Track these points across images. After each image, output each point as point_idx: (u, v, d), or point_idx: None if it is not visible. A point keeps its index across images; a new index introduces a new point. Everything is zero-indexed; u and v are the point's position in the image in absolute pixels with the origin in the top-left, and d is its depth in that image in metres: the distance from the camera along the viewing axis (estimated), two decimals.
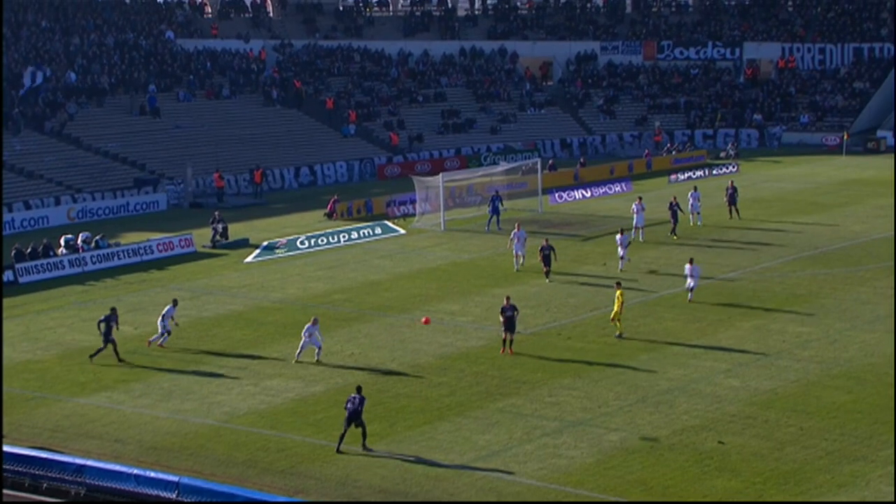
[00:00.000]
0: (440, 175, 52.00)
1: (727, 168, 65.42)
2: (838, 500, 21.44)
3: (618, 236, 40.60)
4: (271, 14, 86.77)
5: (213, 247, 46.79)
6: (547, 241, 39.62)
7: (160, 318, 32.02)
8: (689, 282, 35.58)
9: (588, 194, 58.22)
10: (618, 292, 32.15)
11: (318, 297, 37.84)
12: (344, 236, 48.45)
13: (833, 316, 33.44)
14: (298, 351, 30.43)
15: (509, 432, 25.36)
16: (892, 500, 21.37)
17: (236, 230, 48.98)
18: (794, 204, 52.41)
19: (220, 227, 47.54)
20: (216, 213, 49.00)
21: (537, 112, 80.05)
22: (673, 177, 63.14)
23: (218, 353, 31.61)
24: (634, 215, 45.47)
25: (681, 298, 36.13)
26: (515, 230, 40.84)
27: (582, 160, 67.76)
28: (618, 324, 32.03)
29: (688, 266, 35.76)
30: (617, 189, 59.52)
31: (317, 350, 30.43)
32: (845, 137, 70.42)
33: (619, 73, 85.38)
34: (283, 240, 47.53)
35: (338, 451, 24.32)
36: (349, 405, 24.43)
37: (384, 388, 28.49)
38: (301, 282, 40.21)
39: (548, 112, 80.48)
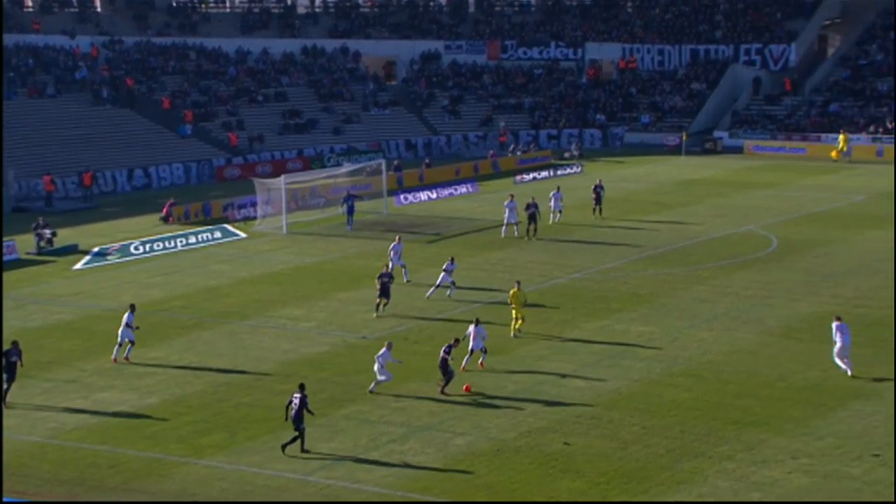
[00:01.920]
0: (282, 177, 51.54)
1: (571, 168, 67.02)
2: (677, 501, 22.20)
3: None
4: (98, 9, 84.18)
5: (39, 253, 45.03)
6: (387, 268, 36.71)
7: (121, 329, 30.60)
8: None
9: (434, 195, 58.68)
10: (513, 290, 32.51)
11: (155, 305, 36.93)
12: (181, 241, 47.41)
13: (674, 315, 34.63)
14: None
15: (354, 439, 25.29)
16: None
17: (65, 236, 47.30)
18: (636, 204, 54.05)
19: (46, 232, 45.78)
20: (40, 218, 47.21)
21: (381, 112, 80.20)
22: (519, 177, 64.26)
23: (45, 364, 30.45)
24: (507, 212, 46.21)
25: (529, 299, 36.74)
26: (395, 242, 40.18)
27: (427, 161, 68.24)
28: (517, 323, 32.32)
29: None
30: (463, 190, 60.19)
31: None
32: (684, 138, 73.12)
33: (463, 72, 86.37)
34: (116, 245, 46.18)
35: (303, 450, 24.33)
36: (294, 402, 24.25)
37: (225, 397, 28.00)
38: (136, 289, 39.14)
39: (392, 112, 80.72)
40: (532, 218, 46.27)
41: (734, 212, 51.56)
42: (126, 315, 31.10)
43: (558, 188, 51.43)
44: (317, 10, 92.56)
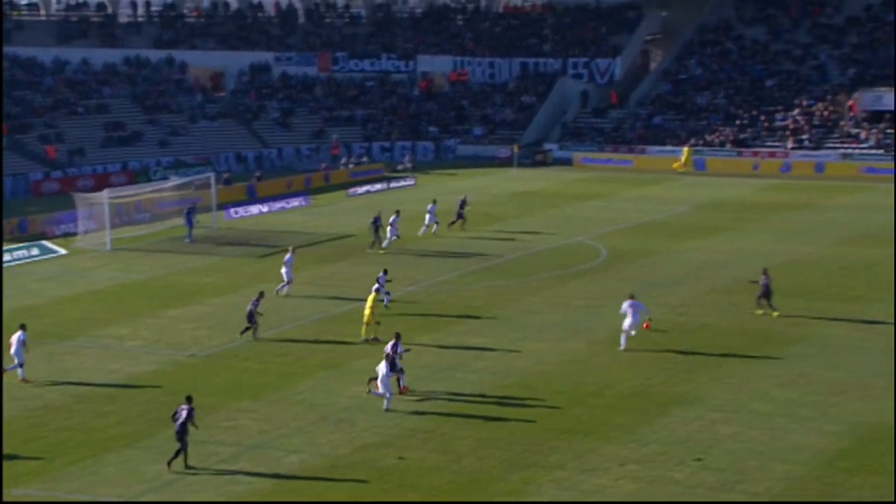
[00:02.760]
0: (105, 191, 50.12)
1: (405, 181, 67.45)
2: None
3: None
4: None
5: None
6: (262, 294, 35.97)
7: (14, 349, 29.97)
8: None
9: (265, 209, 58.09)
10: (373, 295, 33.81)
11: None
12: None
13: (506, 326, 35.27)
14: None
15: (183, 461, 24.75)
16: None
17: None
18: (469, 216, 54.82)
19: None
20: None
21: (210, 124, 78.91)
22: (352, 190, 64.26)
23: None
24: (427, 214, 48.49)
25: (355, 314, 36.82)
26: (288, 254, 39.52)
27: (258, 174, 67.51)
28: (370, 327, 33.25)
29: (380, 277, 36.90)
30: (295, 203, 59.81)
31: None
32: (516, 150, 74.62)
33: (294, 84, 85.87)
34: None
35: (186, 466, 24.18)
36: (180, 415, 24.30)
37: (42, 422, 26.99)
38: None
39: (221, 124, 79.52)
40: (377, 231, 46.33)
41: (565, 223, 52.90)
42: (19, 334, 30.34)
43: (434, 201, 51.59)
44: (139, 19, 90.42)
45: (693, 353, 32.04)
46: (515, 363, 31.47)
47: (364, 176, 69.69)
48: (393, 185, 66.32)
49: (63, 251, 47.90)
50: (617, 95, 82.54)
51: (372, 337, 33.44)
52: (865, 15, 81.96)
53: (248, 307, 33.98)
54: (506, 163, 75.29)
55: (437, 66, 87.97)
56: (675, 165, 70.37)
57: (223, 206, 56.48)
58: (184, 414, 24.49)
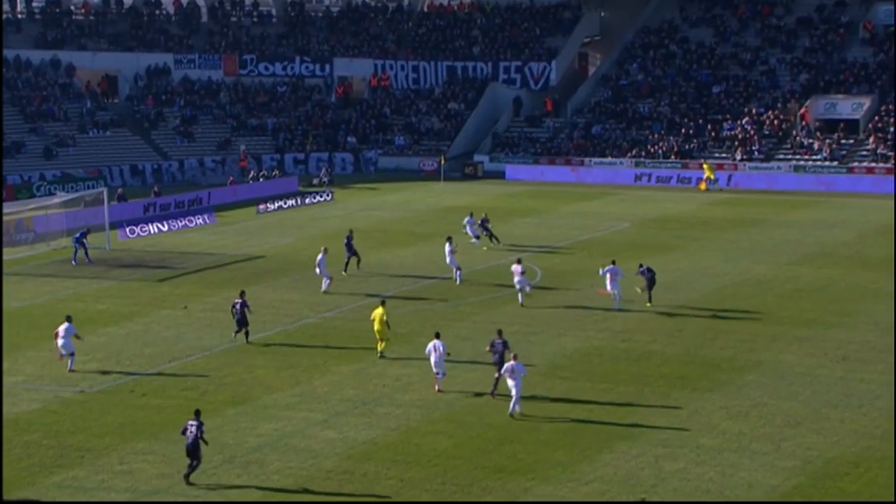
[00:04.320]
0: None
1: (321, 196, 67.25)
2: None
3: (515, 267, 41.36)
4: None
5: None
6: (243, 293, 37.21)
7: (63, 340, 33.34)
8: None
9: (165, 228, 57.50)
10: (379, 310, 34.90)
11: None
12: None
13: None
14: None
15: None
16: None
17: None
18: (392, 234, 54.81)
19: None
20: None
21: (101, 134, 77.97)
22: (262, 206, 63.89)
23: None
24: (467, 228, 49.42)
25: (272, 341, 36.56)
26: (321, 255, 41.99)
27: (156, 189, 66.83)
28: (380, 343, 34.70)
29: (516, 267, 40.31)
30: (199, 222, 59.31)
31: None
32: (442, 162, 74.93)
33: (196, 90, 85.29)
34: None
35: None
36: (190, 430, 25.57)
37: None
38: None
39: (114, 134, 78.61)
40: (350, 251, 46.17)
41: (509, 241, 53.10)
42: (66, 325, 33.68)
43: (471, 213, 52.28)
44: (20, 15, 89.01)
45: (637, 383, 32.32)
46: (443, 396, 31.44)
47: (276, 191, 69.31)
48: (308, 200, 66.11)
49: None
50: (552, 102, 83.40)
51: (380, 353, 34.83)
52: (818, 16, 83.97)
53: (236, 308, 36.04)
54: (432, 176, 75.47)
55: (355, 70, 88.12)
56: (702, 186, 70.09)
57: (117, 225, 55.75)
58: (194, 429, 25.63)
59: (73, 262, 48.65)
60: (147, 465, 26.76)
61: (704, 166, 71.42)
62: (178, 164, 76.89)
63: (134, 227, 56.55)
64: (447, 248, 44.76)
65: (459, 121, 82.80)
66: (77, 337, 34.09)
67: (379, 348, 35.08)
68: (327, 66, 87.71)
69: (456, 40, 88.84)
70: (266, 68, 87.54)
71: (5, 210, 53.28)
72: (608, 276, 40.17)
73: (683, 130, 77.02)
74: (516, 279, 41.13)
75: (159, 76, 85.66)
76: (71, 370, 33.68)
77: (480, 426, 29.15)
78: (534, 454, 27.35)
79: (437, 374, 31.78)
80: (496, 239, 52.08)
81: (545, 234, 55.76)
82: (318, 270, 43.46)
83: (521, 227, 57.71)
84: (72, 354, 33.82)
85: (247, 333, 36.58)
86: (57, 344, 33.81)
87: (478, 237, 51.87)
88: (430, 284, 44.58)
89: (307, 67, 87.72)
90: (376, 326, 35.12)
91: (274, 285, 44.50)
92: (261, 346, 36.35)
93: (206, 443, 25.98)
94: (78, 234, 49.55)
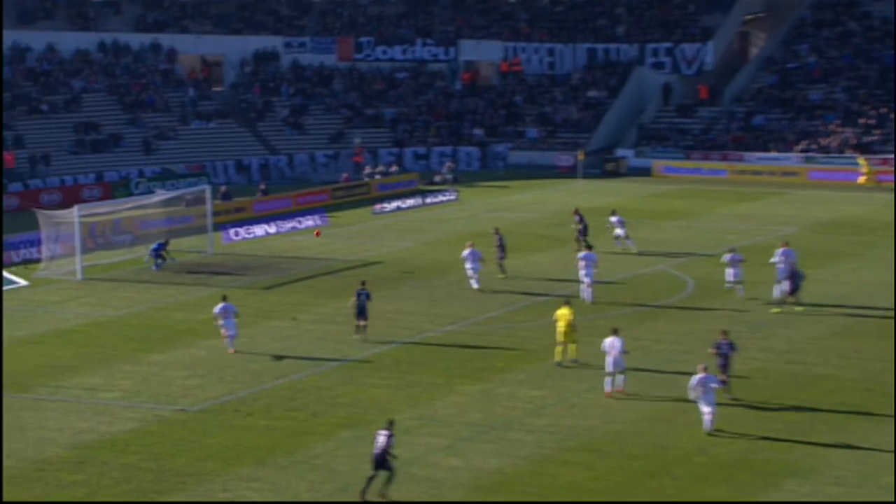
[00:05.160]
0: (75, 208, 50.66)
1: (444, 195, 67.59)
2: None
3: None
4: None
5: None
6: (364, 283, 39.61)
7: (225, 320, 37.26)
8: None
9: (272, 230, 58.44)
10: (565, 310, 35.39)
11: None
12: None
13: (570, 375, 35.08)
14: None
15: None
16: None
17: None
18: (522, 238, 54.75)
19: None
20: None
21: (204, 125, 79.69)
22: (378, 206, 64.53)
23: None
24: (617, 230, 49.53)
25: (389, 359, 36.82)
26: (467, 249, 42.58)
27: (263, 187, 67.98)
28: (566, 348, 35.26)
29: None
30: (308, 223, 60.13)
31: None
32: (580, 157, 74.64)
33: (307, 76, 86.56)
34: None
35: None
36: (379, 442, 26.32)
37: None
38: None
39: (218, 126, 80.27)
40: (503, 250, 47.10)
41: (642, 247, 52.66)
42: (224, 305, 37.33)
43: (614, 211, 52.89)
44: None
45: (807, 410, 31.67)
46: (581, 421, 31.27)
47: (393, 189, 69.96)
48: (429, 200, 66.51)
49: (23, 282, 48.37)
50: (708, 89, 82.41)
51: (571, 359, 35.37)
52: None
53: (356, 301, 38.16)
54: (568, 173, 75.22)
55: (483, 53, 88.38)
56: (862, 180, 69.27)
57: (220, 227, 56.83)
58: (382, 440, 26.33)
59: (153, 267, 49.57)
60: (252, 492, 27.17)
61: (860, 161, 70.07)
62: (287, 159, 78.12)
63: (239, 229, 57.61)
64: (583, 256, 44.13)
65: (600, 110, 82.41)
66: (236, 315, 37.39)
67: (560, 353, 35.51)
68: (452, 50, 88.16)
69: (597, 19, 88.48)
70: (384, 52, 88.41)
71: (103, 209, 54.71)
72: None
73: (862, 120, 75.21)
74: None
75: (267, 61, 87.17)
76: (233, 351, 36.98)
77: (622, 457, 28.90)
78: (684, 491, 26.99)
79: (614, 375, 32.66)
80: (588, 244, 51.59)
81: (697, 239, 55.11)
82: (468, 266, 44.90)
83: (668, 231, 57.12)
84: (232, 336, 37.10)
85: (358, 328, 38.18)
86: (219, 326, 37.31)
87: (626, 236, 51.65)
88: (564, 295, 44.32)
89: (430, 51, 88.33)
90: (561, 328, 35.47)
91: (391, 294, 44.81)
92: (376, 362, 36.64)
93: (394, 457, 26.48)
94: (155, 245, 50.27)
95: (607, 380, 33.04)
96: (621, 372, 32.96)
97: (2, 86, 64.58)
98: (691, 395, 30.24)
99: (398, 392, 33.74)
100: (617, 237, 51.91)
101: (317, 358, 37.18)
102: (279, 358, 37.02)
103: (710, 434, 29.79)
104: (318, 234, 52.66)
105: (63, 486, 27.51)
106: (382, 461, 26.35)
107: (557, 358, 35.65)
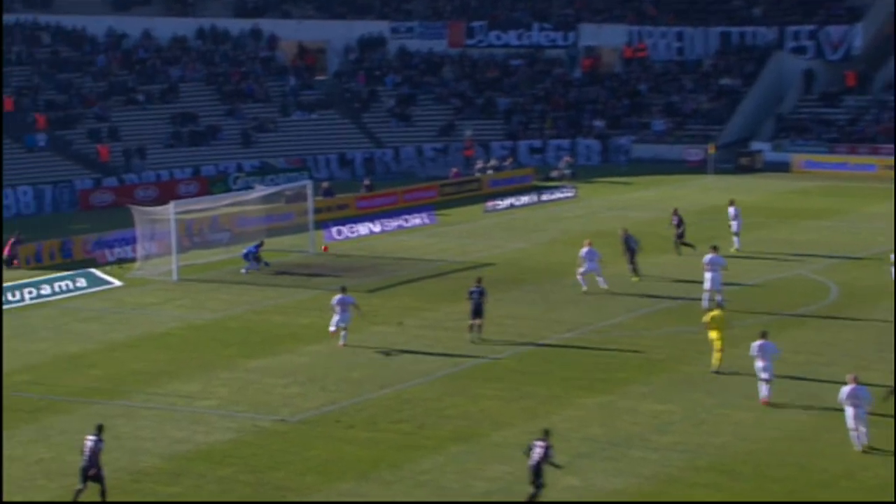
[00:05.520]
0: (171, 204, 51.48)
1: (561, 192, 67.48)
2: None
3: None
4: None
5: None
6: (479, 280, 40.61)
7: (341, 313, 38.71)
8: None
9: (377, 229, 58.83)
10: (716, 313, 35.90)
11: None
12: (30, 292, 47.12)
13: (700, 388, 34.81)
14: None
15: None
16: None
17: None
18: (647, 238, 54.38)
19: None
20: None
21: (306, 116, 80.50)
22: (490, 204, 64.64)
23: None
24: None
25: (502, 368, 36.91)
26: (585, 248, 43.16)
27: (368, 182, 68.45)
28: (718, 356, 35.66)
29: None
30: (416, 221, 60.44)
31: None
32: (711, 151, 73.99)
33: (415, 64, 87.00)
34: None
35: None
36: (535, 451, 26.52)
37: None
38: None
39: (320, 117, 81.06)
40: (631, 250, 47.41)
41: (779, 249, 52.08)
42: (342, 296, 38.70)
43: (732, 201, 53.11)
44: None
45: None
46: (712, 438, 31.02)
47: (507, 185, 70.02)
48: (545, 197, 66.46)
49: (117, 282, 49.30)
50: (855, 76, 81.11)
51: (713, 370, 35.73)
52: None
53: (473, 296, 39.30)
54: (697, 168, 74.60)
55: (605, 38, 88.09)
56: None
57: (322, 225, 57.39)
58: (539, 451, 26.46)
59: (242, 270, 50.06)
60: None
61: None
62: (393, 153, 78.59)
63: (341, 227, 58.12)
64: (708, 260, 43.51)
65: (734, 100, 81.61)
66: (356, 307, 38.93)
67: (717, 361, 35.76)
68: (571, 35, 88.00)
69: (732, 0, 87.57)
70: (498, 38, 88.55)
71: (200, 206, 55.52)
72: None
73: None
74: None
75: (373, 48, 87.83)
76: (343, 344, 38.50)
77: (758, 479, 28.61)
78: None
79: (766, 380, 32.80)
80: (687, 244, 51.25)
81: (843, 240, 54.32)
82: (585, 268, 45.10)
83: (809, 232, 56.39)
84: (345, 329, 38.58)
85: (473, 328, 38.99)
86: (333, 318, 38.68)
87: (737, 231, 51.28)
88: (691, 301, 44.04)
89: (547, 36, 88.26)
90: (714, 334, 35.67)
91: (504, 299, 44.84)
92: (488, 371, 36.73)
93: (557, 466, 26.74)
94: (252, 247, 50.51)
95: (761, 385, 33.06)
96: (768, 380, 32.95)
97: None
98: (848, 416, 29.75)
99: (511, 404, 33.77)
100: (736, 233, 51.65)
101: (424, 366, 37.37)
102: (387, 354, 37.43)
103: (863, 452, 29.37)
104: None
105: (159, 498, 28.06)
106: (538, 473, 26.54)
107: (714, 366, 35.75)
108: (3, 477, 27.73)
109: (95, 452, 27.29)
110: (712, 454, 30.14)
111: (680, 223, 51.81)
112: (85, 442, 27.50)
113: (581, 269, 45.61)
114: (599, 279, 45.22)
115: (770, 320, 41.35)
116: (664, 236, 54.40)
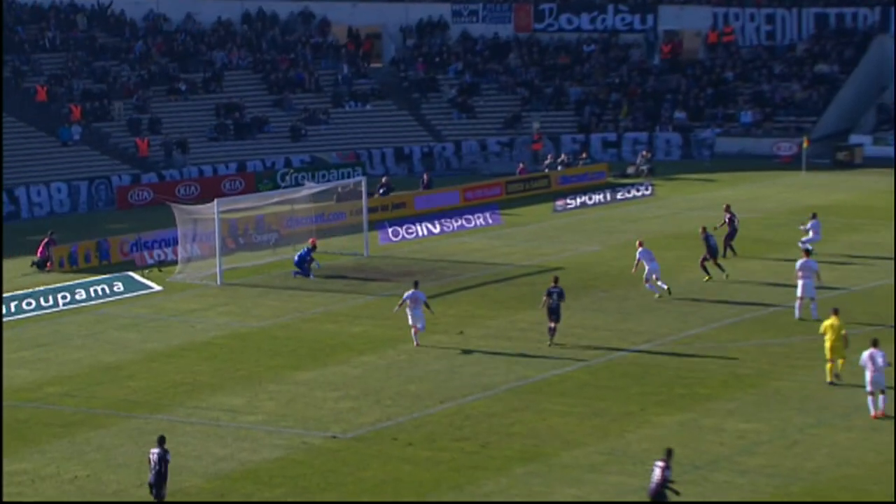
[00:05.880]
0: (215, 202, 51.78)
1: (637, 190, 67.21)
2: None
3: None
4: None
5: None
6: (557, 280, 41.57)
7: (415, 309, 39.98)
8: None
9: (436, 229, 58.85)
10: (833, 320, 35.76)
11: (23, 392, 36.96)
12: (63, 297, 47.52)
13: (792, 406, 34.58)
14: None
15: None
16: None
17: None
18: (735, 241, 54.12)
19: None
20: None
21: (360, 108, 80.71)
22: (560, 203, 64.51)
23: None
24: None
25: (572, 381, 36.80)
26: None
27: (426, 179, 68.51)
28: (835, 364, 35.80)
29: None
30: (479, 222, 60.40)
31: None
32: (805, 145, 73.46)
33: (479, 50, 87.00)
34: None
35: None
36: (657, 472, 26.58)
37: None
38: None
39: (375, 108, 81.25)
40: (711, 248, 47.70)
41: (882, 255, 51.61)
42: (414, 292, 39.97)
43: (814, 215, 52.35)
44: None
45: None
46: (806, 462, 30.81)
47: (578, 182, 69.85)
48: (620, 195, 66.23)
49: (156, 286, 49.63)
50: None
51: (831, 377, 35.94)
52: None
53: (547, 301, 40.05)
54: (790, 164, 74.13)
55: (687, 21, 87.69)
56: None
57: (377, 225, 57.48)
58: (658, 472, 26.57)
59: (293, 274, 50.22)
60: None
61: None
62: (454, 147, 78.58)
63: (398, 228, 58.17)
64: (801, 265, 43.06)
65: (830, 88, 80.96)
66: (427, 306, 39.93)
67: (830, 372, 35.85)
68: (650, 17, 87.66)
69: None
70: (569, 21, 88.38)
71: (245, 204, 55.81)
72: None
73: None
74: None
75: (433, 32, 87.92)
76: (417, 345, 39.72)
77: None
78: None
79: (876, 395, 32.91)
80: (731, 250, 51.14)
81: None
82: (645, 275, 45.37)
83: None
84: (421, 328, 39.82)
85: (551, 331, 39.67)
86: (408, 314, 39.98)
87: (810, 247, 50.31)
88: (783, 310, 43.79)
89: (623, 19, 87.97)
90: (829, 342, 35.76)
91: (574, 306, 44.67)
92: (558, 385, 36.64)
93: (676, 493, 26.76)
94: (304, 251, 50.28)
95: (870, 400, 33.02)
96: (882, 391, 32.93)
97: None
98: None
99: (583, 421, 33.68)
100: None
101: (487, 379, 37.34)
102: (448, 366, 37.36)
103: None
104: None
105: None
106: (659, 496, 26.66)
107: (828, 378, 35.78)
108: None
109: (166, 462, 27.59)
110: (806, 479, 29.91)
111: (732, 223, 51.31)
112: (149, 455, 27.67)
113: (644, 275, 45.34)
114: (659, 282, 45.05)
115: (868, 332, 40.94)
116: (753, 238, 54.12)
